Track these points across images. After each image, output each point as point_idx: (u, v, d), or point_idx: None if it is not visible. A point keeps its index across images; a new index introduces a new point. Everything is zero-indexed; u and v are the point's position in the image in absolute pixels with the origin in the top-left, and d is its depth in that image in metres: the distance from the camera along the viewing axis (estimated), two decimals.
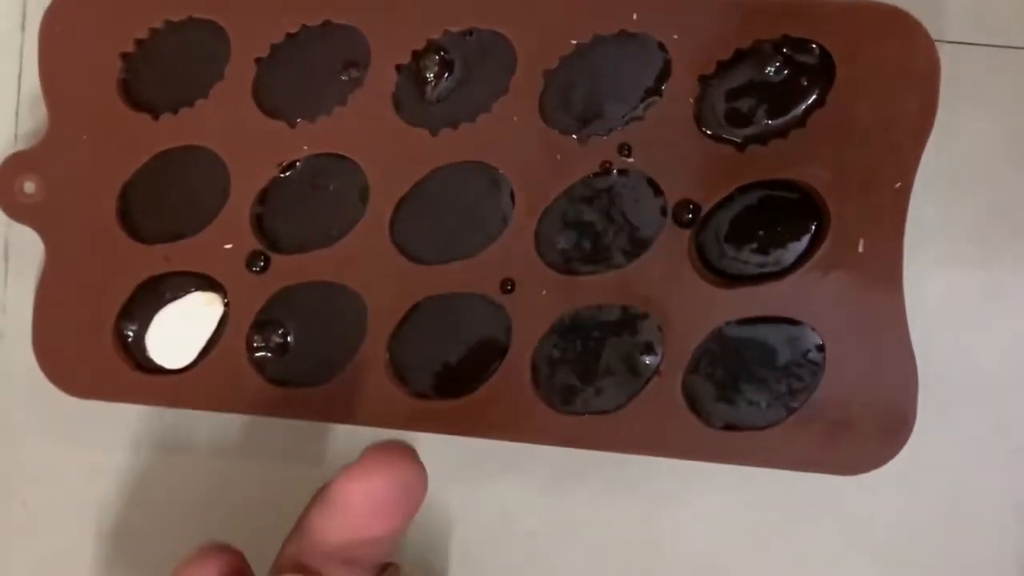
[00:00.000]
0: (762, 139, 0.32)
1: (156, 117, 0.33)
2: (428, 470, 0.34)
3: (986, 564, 0.34)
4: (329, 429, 0.34)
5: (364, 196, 0.33)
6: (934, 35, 0.31)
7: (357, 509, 0.26)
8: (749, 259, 0.32)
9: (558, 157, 0.32)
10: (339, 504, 0.26)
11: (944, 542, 0.34)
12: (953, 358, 0.33)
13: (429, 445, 0.34)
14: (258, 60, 0.33)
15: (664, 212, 0.32)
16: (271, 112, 0.33)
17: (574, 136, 0.32)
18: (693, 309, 0.32)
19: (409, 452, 0.27)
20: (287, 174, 0.33)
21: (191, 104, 0.33)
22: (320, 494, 0.27)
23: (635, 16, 0.32)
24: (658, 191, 0.32)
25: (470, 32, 0.33)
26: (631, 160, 0.32)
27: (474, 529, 0.34)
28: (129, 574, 0.35)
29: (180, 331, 0.33)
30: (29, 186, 0.33)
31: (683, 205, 0.32)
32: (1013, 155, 0.33)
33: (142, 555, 0.35)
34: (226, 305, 0.33)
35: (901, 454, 0.31)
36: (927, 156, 0.31)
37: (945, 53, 0.31)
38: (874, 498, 0.34)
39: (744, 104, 0.32)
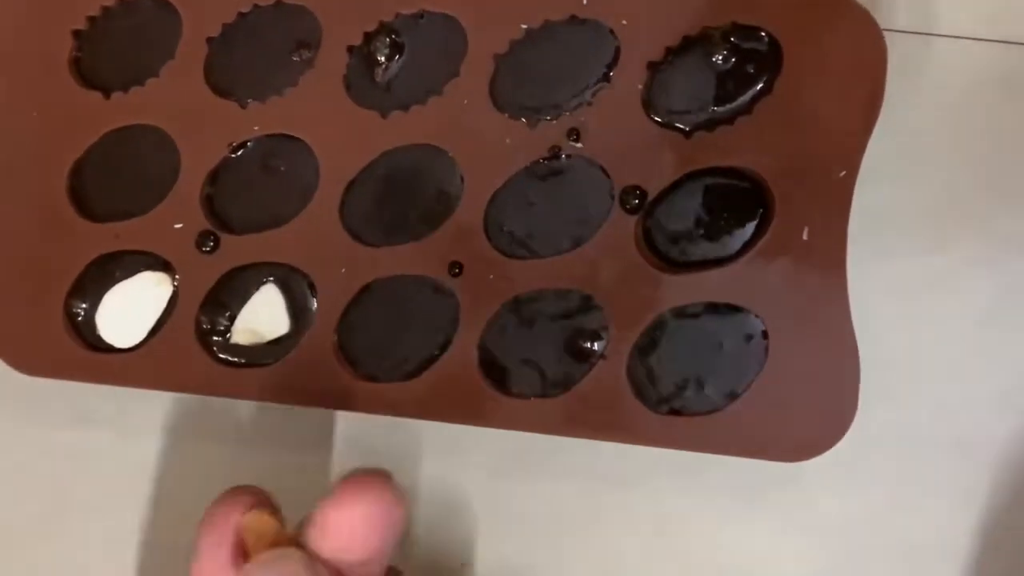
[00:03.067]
0: (709, 126, 0.32)
1: (107, 95, 0.33)
2: (378, 454, 0.34)
3: (932, 550, 0.34)
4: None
5: (314, 178, 0.33)
6: (882, 24, 0.31)
7: (337, 534, 0.27)
8: (695, 245, 0.32)
9: (508, 141, 0.32)
10: (322, 527, 0.27)
11: (889, 528, 0.34)
12: (897, 345, 0.33)
13: (376, 428, 0.34)
14: (209, 40, 0.33)
15: (612, 197, 0.32)
16: (222, 92, 0.33)
17: (524, 120, 0.32)
18: (639, 294, 0.32)
19: (384, 481, 0.27)
20: (238, 154, 0.33)
21: (142, 83, 0.33)
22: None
23: (585, 1, 0.32)
24: (606, 176, 0.32)
25: (421, 15, 0.33)
26: (580, 145, 0.32)
27: (418, 514, 0.35)
28: (86, 550, 0.35)
29: (130, 310, 0.33)
30: None
31: (630, 191, 0.32)
32: (958, 144, 0.33)
33: (103, 531, 0.35)
34: (176, 285, 0.33)
35: (845, 441, 0.31)
36: (872, 143, 0.31)
37: (892, 42, 0.31)
38: (818, 484, 0.34)
39: (692, 91, 0.32)
